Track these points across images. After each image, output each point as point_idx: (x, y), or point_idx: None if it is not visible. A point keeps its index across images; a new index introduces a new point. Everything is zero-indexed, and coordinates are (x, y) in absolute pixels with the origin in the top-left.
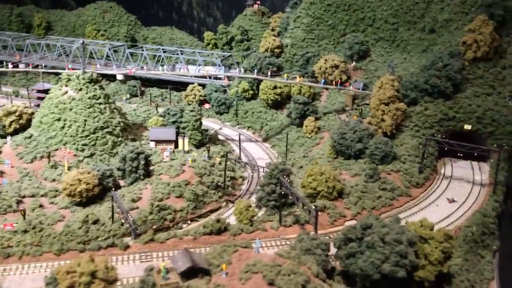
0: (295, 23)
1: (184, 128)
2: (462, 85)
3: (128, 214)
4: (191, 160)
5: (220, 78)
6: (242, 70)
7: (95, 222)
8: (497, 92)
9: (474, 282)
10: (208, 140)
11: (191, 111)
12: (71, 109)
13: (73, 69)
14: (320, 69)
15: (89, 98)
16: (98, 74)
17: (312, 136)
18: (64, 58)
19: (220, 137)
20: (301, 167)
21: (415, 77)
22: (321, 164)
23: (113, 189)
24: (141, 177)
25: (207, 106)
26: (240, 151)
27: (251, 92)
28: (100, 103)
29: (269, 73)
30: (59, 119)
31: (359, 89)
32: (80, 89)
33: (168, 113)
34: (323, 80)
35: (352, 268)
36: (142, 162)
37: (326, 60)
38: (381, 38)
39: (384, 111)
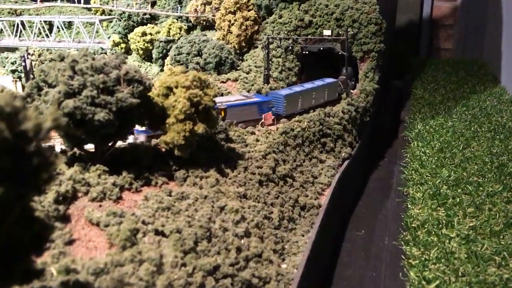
0: None
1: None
2: None
3: None
4: None
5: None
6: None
7: None
8: None
9: (291, 177)
10: None
11: (31, 54)
12: None
13: None
14: (191, 7)
15: None
16: None
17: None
18: None
19: None
20: None
21: None
22: None
23: None
24: None
25: None
26: None
27: (123, 45)
28: None
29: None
30: None
31: None
32: None
33: (8, 62)
34: (179, 7)
35: None
36: None
37: None
38: None
39: (231, 21)
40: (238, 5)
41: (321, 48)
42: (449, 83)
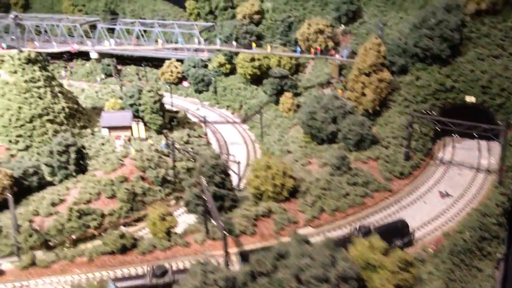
0: None
1: (143, 111)
2: (462, 46)
3: (16, 228)
4: (134, 151)
5: (200, 51)
6: (202, 41)
7: None
8: (508, 54)
9: None
10: (176, 124)
11: (149, 91)
12: (3, 95)
13: (10, 47)
14: (303, 35)
15: (25, 81)
16: (38, 53)
17: (289, 115)
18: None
19: (193, 119)
20: (273, 153)
21: (403, 39)
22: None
23: (10, 194)
24: (73, 173)
25: (185, 84)
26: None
27: (228, 66)
28: (39, 87)
29: (234, 43)
30: None
31: (344, 57)
32: (15, 72)
33: (126, 95)
34: (298, 49)
35: None
36: (73, 156)
37: (309, 25)
38: None
39: (365, 83)
40: (373, 68)
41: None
42: None
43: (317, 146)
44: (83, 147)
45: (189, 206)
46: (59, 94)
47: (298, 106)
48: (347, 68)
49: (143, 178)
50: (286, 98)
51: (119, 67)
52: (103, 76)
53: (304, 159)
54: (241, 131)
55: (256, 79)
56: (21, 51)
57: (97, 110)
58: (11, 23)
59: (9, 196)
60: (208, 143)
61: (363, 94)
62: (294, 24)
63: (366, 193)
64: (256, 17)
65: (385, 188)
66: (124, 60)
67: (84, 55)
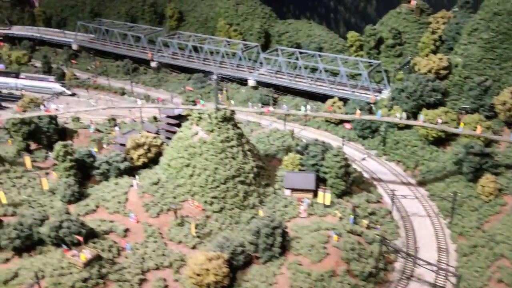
0: (470, 38)
1: (325, 173)
2: None
3: None
4: (336, 237)
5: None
6: (405, 116)
7: None
8: None
9: None
10: (352, 182)
11: (335, 155)
12: (201, 154)
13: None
14: (504, 104)
15: (221, 141)
16: (232, 111)
17: (490, 200)
18: (195, 59)
19: (364, 173)
20: (475, 246)
21: None
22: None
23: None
24: (276, 255)
25: (347, 126)
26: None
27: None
28: (232, 146)
29: (439, 121)
30: (188, 165)
31: None
32: (212, 130)
33: (307, 153)
34: None
35: None
36: (279, 239)
37: None
38: None
39: None
40: None
41: None
42: None
43: None
44: (286, 226)
45: None
46: (248, 153)
47: (500, 190)
48: None
49: (348, 271)
50: (488, 181)
51: (275, 96)
52: (260, 105)
53: None
54: (419, 196)
55: (438, 140)
56: (218, 110)
57: (269, 158)
58: (212, 83)
59: None
60: (390, 213)
61: None
62: (491, 88)
63: None
64: (443, 72)
65: None
66: (278, 88)
67: (240, 81)
